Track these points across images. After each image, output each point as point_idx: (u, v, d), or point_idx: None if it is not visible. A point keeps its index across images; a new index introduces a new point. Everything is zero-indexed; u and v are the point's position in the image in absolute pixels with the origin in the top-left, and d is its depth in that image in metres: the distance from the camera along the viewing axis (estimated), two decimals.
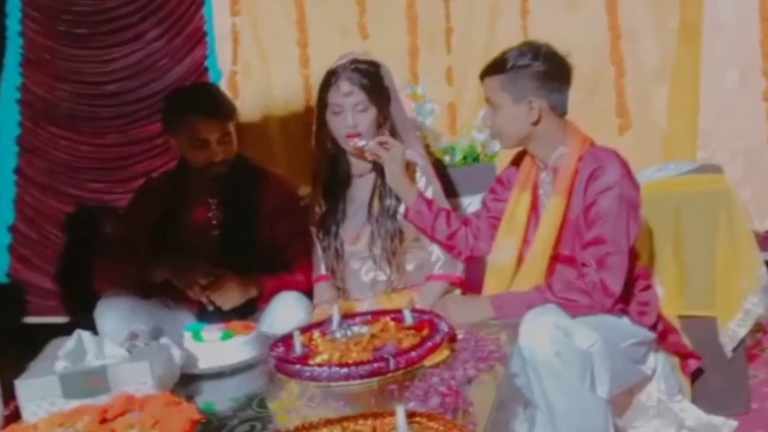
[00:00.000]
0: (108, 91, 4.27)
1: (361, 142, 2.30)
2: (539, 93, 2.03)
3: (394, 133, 2.38)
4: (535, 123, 2.05)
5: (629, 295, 2.07)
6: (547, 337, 1.75)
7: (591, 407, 1.80)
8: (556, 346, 1.74)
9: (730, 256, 2.42)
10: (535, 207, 2.17)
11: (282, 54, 3.77)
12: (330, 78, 2.34)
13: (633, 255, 2.06)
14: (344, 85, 2.30)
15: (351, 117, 2.30)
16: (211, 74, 4.00)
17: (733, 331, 2.44)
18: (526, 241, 2.15)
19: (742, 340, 2.46)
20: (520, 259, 2.14)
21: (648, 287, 2.16)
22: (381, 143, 2.28)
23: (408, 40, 3.57)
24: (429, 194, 2.39)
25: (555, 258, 2.07)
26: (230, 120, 2.52)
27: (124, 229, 2.64)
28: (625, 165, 2.03)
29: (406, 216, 2.34)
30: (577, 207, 2.03)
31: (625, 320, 2.04)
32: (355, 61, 2.35)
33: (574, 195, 2.04)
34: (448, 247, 2.34)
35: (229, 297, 2.34)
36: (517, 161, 2.27)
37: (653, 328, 2.12)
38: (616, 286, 1.94)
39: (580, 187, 2.03)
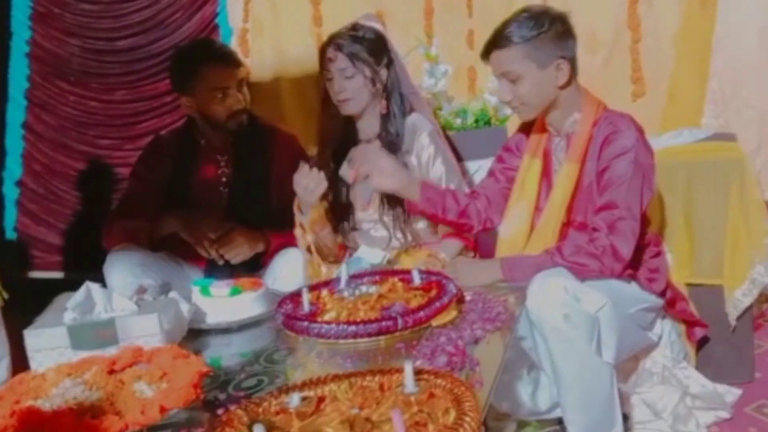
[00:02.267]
0: (118, 47, 4.24)
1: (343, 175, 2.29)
2: (564, 54, 2.01)
3: (395, 99, 2.38)
4: (563, 86, 2.03)
5: (639, 261, 2.07)
6: (555, 300, 1.75)
7: (597, 371, 1.81)
8: (564, 309, 1.74)
9: (740, 225, 2.42)
10: (546, 174, 2.15)
11: (294, 12, 3.71)
12: (324, 44, 2.39)
13: (644, 221, 2.05)
14: (330, 52, 2.34)
15: (337, 83, 2.33)
16: (222, 31, 3.96)
17: (739, 300, 2.45)
18: (537, 209, 2.13)
19: (748, 309, 2.47)
20: (531, 227, 2.13)
21: (658, 254, 2.16)
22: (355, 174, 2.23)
23: (423, 1, 3.52)
24: (439, 162, 2.37)
25: (567, 225, 2.06)
26: (241, 66, 2.56)
27: (133, 185, 2.64)
28: (640, 130, 2.02)
29: (411, 211, 2.28)
30: (591, 173, 2.02)
31: (633, 285, 2.04)
32: (353, 27, 2.37)
33: (588, 161, 2.03)
34: (460, 225, 2.28)
35: (239, 251, 2.36)
36: (525, 128, 2.24)
37: (662, 294, 2.11)
38: (627, 250, 1.92)
39: (595, 152, 2.02)
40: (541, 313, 1.77)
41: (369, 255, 2.16)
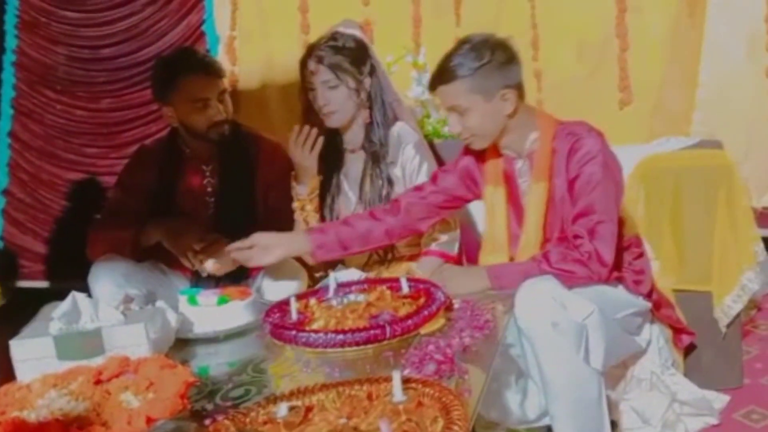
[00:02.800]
0: (103, 55, 4.23)
1: (208, 268, 2.32)
2: (507, 83, 2.00)
3: (378, 108, 2.37)
4: (511, 115, 2.02)
5: (623, 263, 2.08)
6: (543, 308, 1.75)
7: (585, 379, 1.80)
8: (553, 316, 1.74)
9: (728, 232, 2.42)
10: (512, 199, 2.14)
11: (283, 20, 3.72)
12: (304, 55, 2.36)
13: (621, 222, 2.04)
14: (311, 64, 2.31)
15: (321, 95, 2.30)
16: (209, 39, 3.96)
17: (729, 306, 2.45)
18: (511, 236, 2.13)
19: (737, 316, 2.47)
20: (510, 255, 2.12)
21: (641, 255, 2.17)
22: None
23: (411, 8, 3.52)
24: (424, 173, 2.36)
25: (545, 243, 2.05)
26: (223, 77, 2.52)
27: (118, 194, 2.61)
28: (601, 134, 2.02)
29: (315, 259, 2.25)
30: (561, 188, 2.02)
31: (620, 289, 2.05)
32: (333, 36, 2.33)
33: (556, 176, 2.03)
34: (400, 238, 2.28)
35: (223, 262, 2.34)
36: (472, 152, 2.20)
37: (648, 296, 2.12)
38: (609, 254, 1.92)
39: (561, 165, 2.01)
40: (530, 320, 1.76)
41: (345, 276, 2.14)
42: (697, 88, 3.09)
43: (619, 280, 2.04)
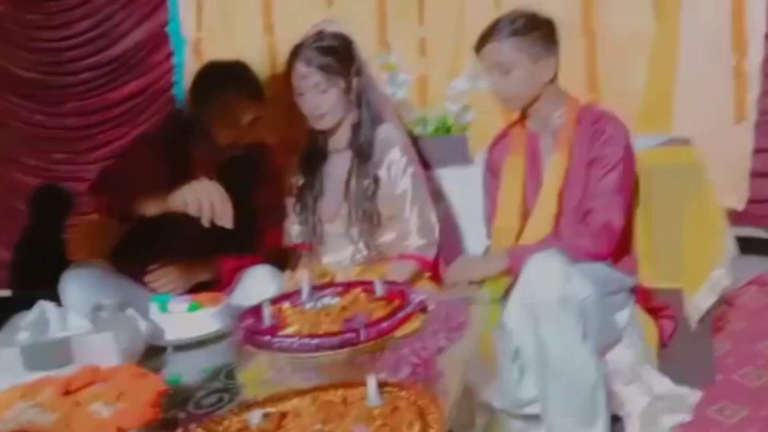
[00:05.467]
0: (66, 57, 4.18)
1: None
2: (552, 52, 2.17)
3: (366, 109, 2.34)
4: (548, 83, 2.17)
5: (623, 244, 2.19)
6: (551, 282, 1.76)
7: (583, 360, 1.79)
8: (561, 291, 1.75)
9: (697, 229, 2.43)
10: (531, 171, 2.24)
11: (246, 20, 3.67)
12: (291, 58, 2.31)
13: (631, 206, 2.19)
14: (301, 68, 2.26)
15: (312, 99, 2.26)
16: (173, 40, 3.92)
17: (699, 303, 2.46)
18: (525, 206, 2.21)
19: (707, 313, 2.49)
20: (522, 224, 2.20)
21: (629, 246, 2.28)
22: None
23: (376, 8, 3.51)
24: (408, 174, 2.34)
25: (559, 215, 2.14)
26: (263, 103, 2.41)
27: (121, 164, 2.46)
28: (624, 122, 2.18)
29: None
30: (580, 163, 2.13)
31: (605, 266, 2.09)
32: (318, 36, 2.29)
33: (577, 151, 2.14)
34: None
35: (167, 281, 2.29)
36: (496, 141, 2.36)
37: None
38: (619, 222, 2.07)
39: (583, 143, 2.14)
40: (536, 294, 1.77)
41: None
42: (672, 86, 3.12)
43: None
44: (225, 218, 1.96)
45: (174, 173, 2.34)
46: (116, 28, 4.05)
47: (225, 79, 2.38)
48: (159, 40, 3.98)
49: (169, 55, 3.98)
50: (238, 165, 2.43)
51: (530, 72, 2.14)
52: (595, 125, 2.15)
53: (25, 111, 4.29)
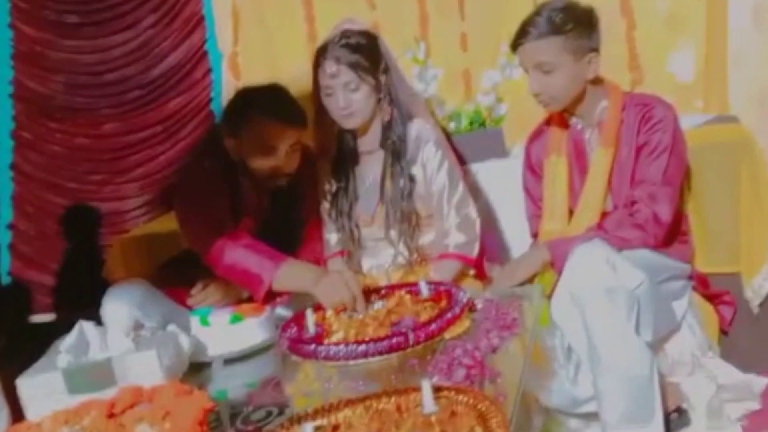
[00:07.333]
0: (105, 80, 4.17)
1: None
2: (594, 46, 2.04)
3: (397, 106, 2.29)
4: (591, 80, 2.06)
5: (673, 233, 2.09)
6: (597, 273, 1.70)
7: (636, 352, 1.73)
8: (607, 282, 1.68)
9: (753, 208, 2.35)
10: (576, 168, 2.16)
11: (288, 31, 3.63)
12: (318, 57, 2.23)
13: (681, 192, 2.10)
14: (330, 66, 2.18)
15: (342, 98, 2.20)
16: (212, 57, 3.90)
17: (759, 285, 2.37)
18: (573, 207, 2.14)
19: None
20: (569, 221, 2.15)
21: (687, 231, 2.19)
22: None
23: (417, 7, 3.46)
24: (443, 173, 2.27)
25: (605, 214, 2.07)
26: (303, 129, 2.29)
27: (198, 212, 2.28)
28: (672, 106, 2.08)
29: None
30: (628, 155, 2.05)
31: (661, 255, 2.02)
32: (344, 34, 2.23)
33: (624, 143, 2.05)
34: None
35: (204, 296, 2.22)
36: (535, 137, 2.28)
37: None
38: (667, 217, 1.96)
39: (630, 133, 2.05)
40: (582, 285, 1.70)
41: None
42: (707, 63, 3.02)
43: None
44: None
45: (231, 204, 2.29)
46: (157, 50, 4.04)
47: (255, 101, 2.27)
48: (198, 57, 3.97)
49: (208, 71, 3.98)
50: (288, 186, 2.34)
51: (573, 71, 2.02)
52: (641, 112, 2.05)
53: (61, 134, 4.30)
